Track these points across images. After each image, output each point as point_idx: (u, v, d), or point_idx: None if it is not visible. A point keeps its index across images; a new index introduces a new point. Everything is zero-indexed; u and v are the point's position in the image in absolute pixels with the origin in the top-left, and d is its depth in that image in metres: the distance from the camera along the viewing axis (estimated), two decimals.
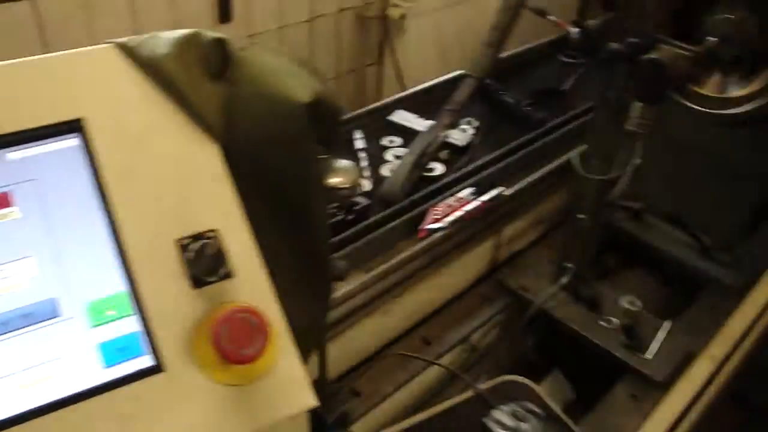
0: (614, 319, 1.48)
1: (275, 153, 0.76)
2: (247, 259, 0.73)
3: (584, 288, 1.51)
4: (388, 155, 1.86)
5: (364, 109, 2.00)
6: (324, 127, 0.81)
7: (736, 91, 1.35)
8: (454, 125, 1.97)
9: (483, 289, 1.61)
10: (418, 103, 2.08)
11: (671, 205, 1.73)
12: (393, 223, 1.55)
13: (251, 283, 0.72)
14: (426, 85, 2.16)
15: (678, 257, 1.69)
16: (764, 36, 1.28)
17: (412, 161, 1.75)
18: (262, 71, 0.77)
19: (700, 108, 1.39)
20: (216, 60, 0.76)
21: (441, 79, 2.16)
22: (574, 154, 1.36)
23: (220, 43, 0.77)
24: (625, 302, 1.48)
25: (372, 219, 1.55)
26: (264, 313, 0.67)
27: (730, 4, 1.30)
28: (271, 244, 0.75)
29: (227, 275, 0.70)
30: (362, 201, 1.62)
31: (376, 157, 1.85)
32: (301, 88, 0.75)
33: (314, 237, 0.82)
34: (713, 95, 1.38)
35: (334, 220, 1.57)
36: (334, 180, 1.00)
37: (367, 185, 1.73)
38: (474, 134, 1.95)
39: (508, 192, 1.67)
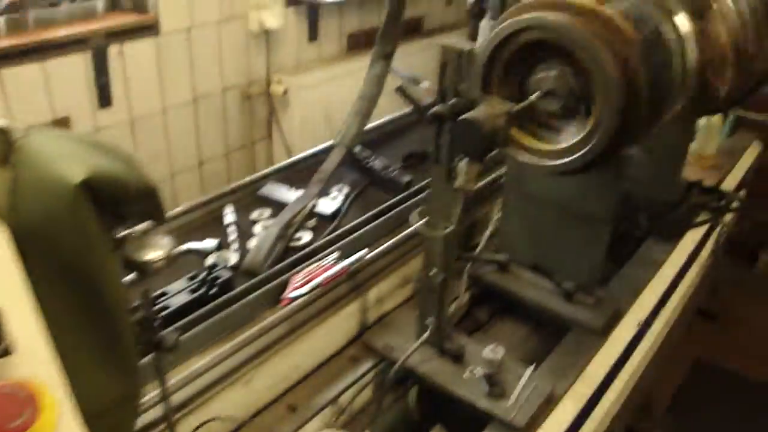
0: (478, 370, 1.50)
1: (56, 232, 0.79)
2: (30, 336, 0.74)
3: (448, 342, 1.53)
4: (257, 228, 1.87)
5: (234, 185, 2.02)
6: (120, 204, 0.84)
7: (565, 142, 1.43)
8: (323, 194, 2.01)
9: (351, 351, 1.61)
10: (289, 175, 2.12)
11: (534, 254, 1.79)
12: (255, 294, 1.55)
13: (32, 358, 0.73)
14: (297, 157, 2.20)
15: (543, 304, 1.74)
16: (584, 89, 1.37)
17: (276, 232, 1.77)
18: (38, 155, 0.80)
19: (537, 160, 1.46)
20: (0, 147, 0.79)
21: (312, 150, 2.21)
22: (414, 213, 1.40)
23: (1, 131, 0.80)
24: (488, 352, 1.51)
25: (235, 291, 1.56)
26: (39, 386, 0.69)
27: (552, 61, 1.39)
28: (63, 320, 0.78)
29: (5, 352, 0.71)
30: (225, 274, 1.62)
31: (246, 231, 1.86)
32: (74, 168, 0.78)
33: (108, 310, 0.83)
34: (545, 147, 1.46)
35: (195, 294, 1.56)
36: (147, 255, 1.00)
37: (233, 258, 1.73)
38: (343, 201, 1.99)
39: (370, 255, 1.70)
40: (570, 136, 1.43)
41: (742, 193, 2.96)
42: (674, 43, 1.50)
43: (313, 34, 3.30)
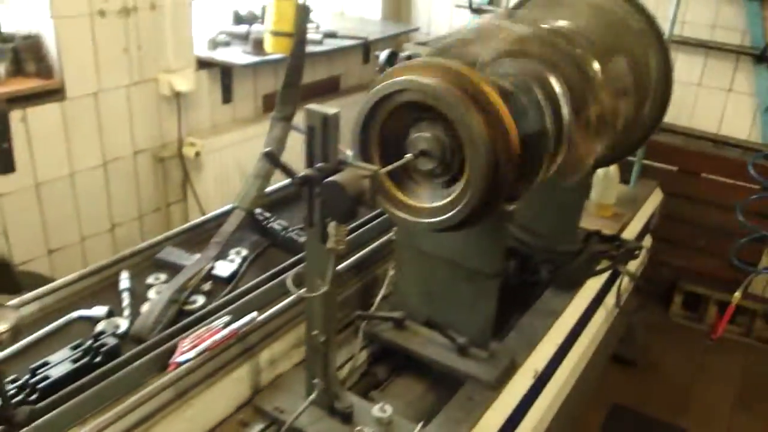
0: (366, 430, 1.48)
1: None
2: None
3: (337, 402, 1.52)
4: (151, 293, 1.83)
5: (130, 250, 1.99)
6: None
7: (441, 200, 1.47)
8: (221, 256, 1.99)
9: (241, 415, 1.57)
10: (189, 238, 2.10)
11: (427, 310, 1.80)
12: (141, 360, 1.52)
13: None
14: (196, 221, 2.19)
15: (438, 360, 1.74)
16: (457, 150, 1.42)
17: (168, 297, 1.74)
18: None
19: (413, 218, 1.49)
20: None
21: (212, 213, 2.20)
22: (289, 276, 1.40)
23: None
24: (377, 411, 1.50)
25: (120, 358, 1.52)
26: None
27: (427, 121, 1.43)
28: None
29: None
30: (111, 341, 1.58)
31: (141, 296, 1.83)
32: None
33: None
34: (422, 205, 1.49)
35: (78, 364, 1.52)
36: None
37: (123, 325, 1.69)
38: (240, 263, 1.97)
39: (262, 317, 1.68)
40: (446, 194, 1.47)
41: (648, 239, 3.08)
42: (547, 103, 1.57)
43: (227, 96, 3.32)
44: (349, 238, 2.09)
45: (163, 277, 1.90)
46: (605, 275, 2.34)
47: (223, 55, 3.19)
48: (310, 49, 3.44)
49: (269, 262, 2.02)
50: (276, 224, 2.11)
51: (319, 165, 1.28)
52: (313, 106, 1.26)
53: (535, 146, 1.56)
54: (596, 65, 1.88)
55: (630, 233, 2.64)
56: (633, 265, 2.57)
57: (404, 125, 1.48)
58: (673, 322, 3.76)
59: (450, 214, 1.44)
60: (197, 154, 3.05)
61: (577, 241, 2.30)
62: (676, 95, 3.66)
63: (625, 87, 2.01)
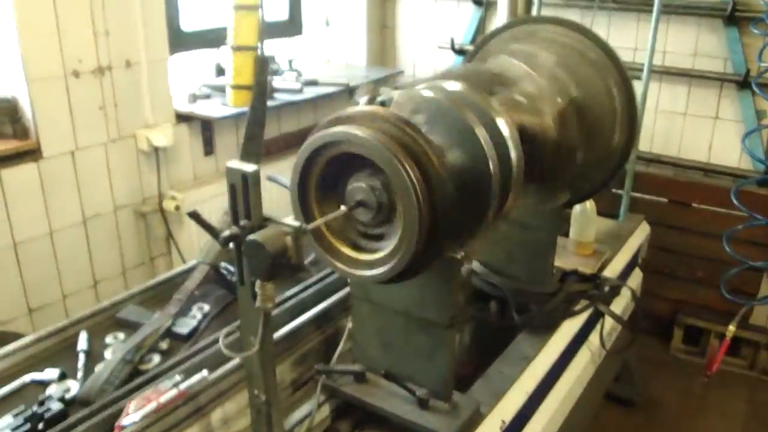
0: None
1: None
2: None
3: None
4: (108, 353, 1.81)
5: (91, 309, 1.97)
6: None
7: (380, 252, 1.44)
8: (182, 313, 1.97)
9: None
10: (155, 295, 2.09)
11: (387, 362, 1.75)
12: (85, 425, 1.49)
13: None
14: (162, 277, 2.18)
15: (399, 414, 1.69)
16: (393, 200, 1.39)
17: (121, 357, 1.72)
18: None
19: (353, 270, 1.46)
20: None
21: (178, 269, 2.19)
22: (222, 334, 1.37)
23: None
24: None
25: (64, 424, 1.49)
26: None
27: (365, 172, 1.41)
28: None
29: None
30: (55, 407, 1.55)
31: (97, 357, 1.81)
32: None
33: None
34: (361, 257, 1.46)
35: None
36: None
37: (74, 388, 1.67)
38: (201, 320, 1.95)
39: (213, 376, 1.65)
40: (384, 245, 1.44)
41: (638, 274, 3.00)
42: (492, 147, 1.54)
43: (208, 149, 3.34)
44: (310, 290, 2.10)
45: (121, 336, 1.89)
46: (585, 316, 2.27)
47: (202, 108, 3.21)
48: (291, 98, 3.47)
49: (233, 318, 1.98)
50: None
51: (242, 223, 1.26)
52: (232, 164, 1.25)
53: (478, 193, 1.54)
54: (548, 103, 1.87)
55: (612, 270, 2.57)
56: (621, 303, 2.50)
57: (343, 175, 1.46)
58: (674, 357, 3.65)
59: (388, 266, 1.40)
60: (177, 207, 3.05)
61: (553, 281, 2.25)
62: (662, 126, 3.68)
63: (585, 119, 1.98)
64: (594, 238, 2.61)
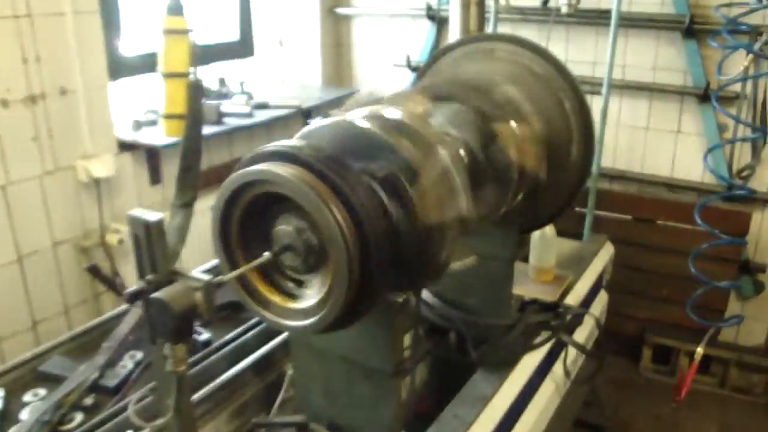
0: None
1: None
2: None
3: None
4: (24, 413, 1.65)
5: (11, 363, 1.81)
6: None
7: (309, 300, 1.31)
8: (112, 363, 1.82)
9: None
10: (83, 344, 1.93)
11: (330, 411, 1.63)
12: None
13: None
14: (91, 323, 2.02)
15: None
16: (322, 245, 1.26)
17: (36, 419, 1.56)
18: None
19: (281, 320, 1.33)
20: None
21: (109, 314, 2.04)
22: (132, 399, 1.24)
23: None
24: None
25: None
26: None
27: (292, 215, 1.29)
28: None
29: None
30: None
31: (14, 417, 1.65)
32: None
33: None
34: (290, 306, 1.33)
35: None
36: None
37: None
38: (132, 370, 1.80)
39: None
40: (316, 293, 1.31)
41: (603, 296, 2.91)
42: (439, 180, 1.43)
43: (155, 178, 3.18)
44: (253, 331, 1.96)
45: (42, 392, 1.73)
46: (547, 347, 2.16)
47: (147, 136, 3.06)
48: (241, 122, 3.34)
49: None
50: None
51: (148, 277, 1.12)
52: (135, 212, 1.11)
53: (423, 231, 1.41)
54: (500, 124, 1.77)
55: (576, 296, 2.47)
56: (585, 330, 2.39)
57: (269, 214, 1.33)
58: (644, 377, 3.56)
59: (318, 317, 1.28)
60: (120, 241, 2.89)
61: (511, 312, 2.14)
62: (625, 141, 3.61)
63: (536, 137, 1.88)
64: (555, 263, 2.50)
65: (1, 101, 2.57)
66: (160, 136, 3.07)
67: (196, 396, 1.64)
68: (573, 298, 2.43)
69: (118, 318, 1.98)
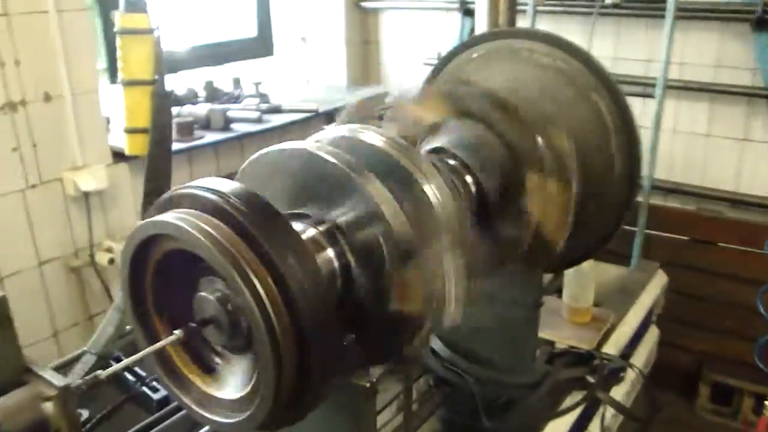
0: None
1: None
2: None
3: None
4: None
5: None
6: None
7: (242, 390, 0.99)
8: None
9: None
10: None
11: None
12: None
13: None
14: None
15: None
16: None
17: None
18: None
19: (209, 416, 1.02)
20: None
21: (60, 360, 1.77)
22: None
23: None
24: None
25: None
26: None
27: (214, 279, 0.97)
28: None
29: None
30: None
31: None
32: None
33: None
34: (216, 395, 1.02)
35: None
36: None
37: None
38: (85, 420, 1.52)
39: None
40: (247, 380, 0.99)
41: (653, 333, 2.51)
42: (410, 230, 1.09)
43: None
44: None
45: None
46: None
47: None
48: (249, 129, 3.05)
49: (121, 425, 1.57)
50: (131, 374, 1.66)
51: None
52: None
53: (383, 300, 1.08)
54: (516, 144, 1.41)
55: (618, 341, 2.08)
56: (626, 384, 2.01)
57: (193, 274, 1.02)
58: (701, 419, 3.13)
59: (248, 413, 0.96)
60: (111, 261, 2.63)
61: (536, 367, 1.78)
62: (681, 150, 3.16)
63: (567, 198, 1.51)
64: (593, 300, 2.12)
65: None
66: None
67: None
68: (615, 344, 2.05)
69: (69, 366, 1.72)
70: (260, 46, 3.74)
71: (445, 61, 1.80)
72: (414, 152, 1.18)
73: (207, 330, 0.98)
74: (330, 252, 1.07)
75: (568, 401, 1.76)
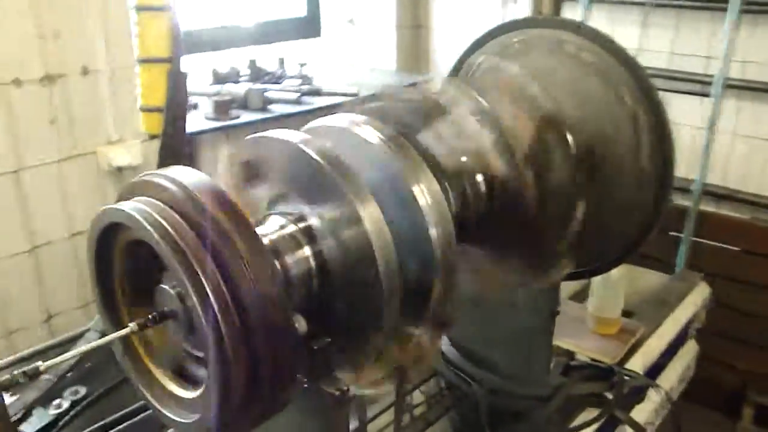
0: None
1: None
2: None
3: None
4: None
5: None
6: None
7: (192, 390, 0.94)
8: (44, 401, 1.54)
9: None
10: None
11: None
12: None
13: None
14: (40, 347, 1.76)
15: None
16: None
17: None
18: None
19: (163, 411, 0.97)
20: None
21: (63, 336, 1.77)
22: None
23: None
24: None
25: None
26: None
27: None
28: None
29: None
30: None
31: None
32: None
33: None
34: (178, 393, 0.97)
35: None
36: None
37: None
38: (64, 413, 1.51)
39: None
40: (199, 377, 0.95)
41: (692, 348, 2.36)
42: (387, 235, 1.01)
43: (191, 167, 2.92)
44: None
45: None
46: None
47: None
48: (286, 110, 3.01)
49: (119, 403, 1.56)
50: None
51: None
52: None
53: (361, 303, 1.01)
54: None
55: (646, 356, 1.95)
56: (652, 403, 1.88)
57: (157, 266, 0.97)
58: None
59: (197, 416, 0.91)
60: None
61: (549, 379, 1.68)
62: (740, 154, 2.96)
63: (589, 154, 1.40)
64: (624, 309, 1.99)
65: (14, 81, 2.36)
66: (197, 121, 2.81)
67: None
68: (642, 358, 1.93)
69: (71, 342, 1.72)
70: (308, 26, 3.70)
71: (466, 55, 1.71)
72: (409, 151, 1.10)
73: (167, 324, 0.94)
74: (306, 250, 1.02)
75: (582, 418, 1.66)
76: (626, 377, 1.76)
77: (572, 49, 1.48)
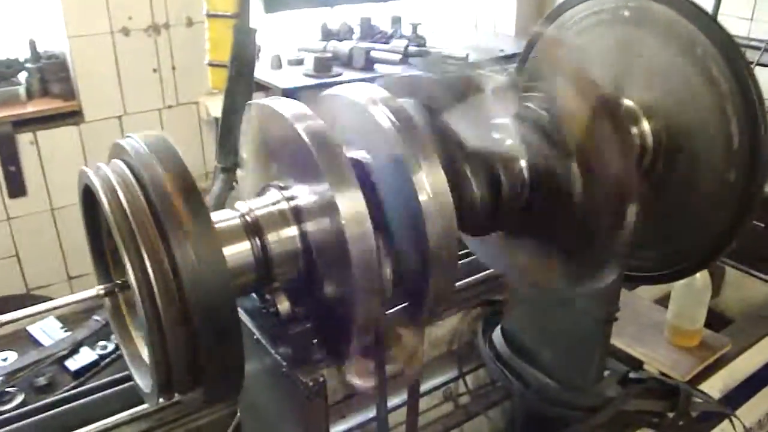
0: None
1: None
2: None
3: None
4: None
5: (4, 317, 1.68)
6: None
7: None
8: (92, 341, 1.61)
9: None
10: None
11: None
12: None
13: None
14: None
15: None
16: None
17: None
18: None
19: (133, 375, 0.96)
20: None
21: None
22: None
23: None
24: None
25: None
26: None
27: None
28: None
29: None
30: None
31: None
32: None
33: None
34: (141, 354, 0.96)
35: None
36: None
37: None
38: (105, 356, 1.57)
39: None
40: None
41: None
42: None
43: None
44: None
45: (13, 356, 1.57)
46: None
47: (281, 77, 2.81)
48: (391, 70, 2.93)
49: None
50: None
51: None
52: None
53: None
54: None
55: (729, 377, 1.72)
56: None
57: None
58: None
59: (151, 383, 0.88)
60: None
61: (602, 387, 1.52)
62: None
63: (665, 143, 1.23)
64: (703, 324, 1.76)
65: (122, 29, 2.46)
66: (295, 77, 2.81)
67: None
68: (722, 381, 1.70)
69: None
70: None
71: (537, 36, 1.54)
72: (418, 136, 0.99)
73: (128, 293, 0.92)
74: (293, 230, 0.96)
75: None
76: (696, 399, 1.57)
77: (662, 21, 1.28)
